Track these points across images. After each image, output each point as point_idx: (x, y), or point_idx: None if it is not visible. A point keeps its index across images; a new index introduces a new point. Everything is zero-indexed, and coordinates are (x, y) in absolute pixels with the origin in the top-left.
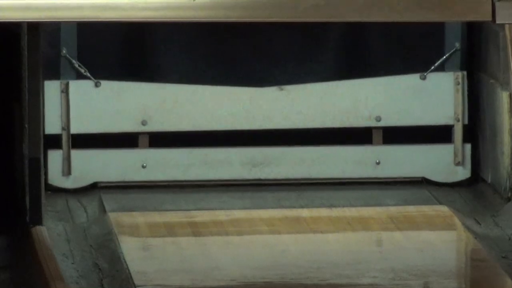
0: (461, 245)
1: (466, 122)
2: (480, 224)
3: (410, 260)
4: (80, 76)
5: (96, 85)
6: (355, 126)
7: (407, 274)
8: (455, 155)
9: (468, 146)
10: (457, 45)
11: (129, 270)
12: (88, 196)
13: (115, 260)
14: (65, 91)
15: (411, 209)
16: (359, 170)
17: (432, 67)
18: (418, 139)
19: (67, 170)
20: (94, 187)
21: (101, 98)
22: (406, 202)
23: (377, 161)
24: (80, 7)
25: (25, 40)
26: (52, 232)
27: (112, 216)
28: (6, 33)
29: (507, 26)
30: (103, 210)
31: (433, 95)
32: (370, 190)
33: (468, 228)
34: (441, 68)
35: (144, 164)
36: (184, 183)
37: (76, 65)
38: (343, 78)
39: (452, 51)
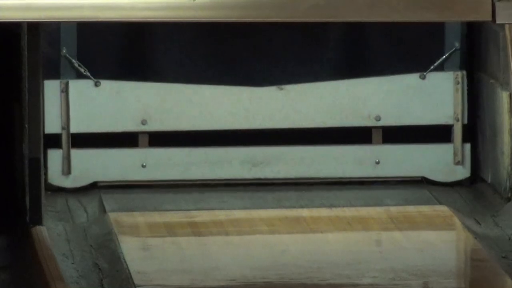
0: (461, 245)
1: (465, 121)
2: (480, 224)
3: (410, 260)
4: (80, 76)
5: (96, 85)
6: (354, 125)
7: (407, 274)
8: (455, 154)
9: (468, 146)
10: (457, 44)
11: (129, 270)
12: (88, 196)
13: (115, 260)
14: (65, 90)
15: (411, 209)
16: (359, 169)
17: (432, 67)
18: (417, 139)
19: (67, 169)
20: (94, 187)
21: (101, 97)
22: (406, 202)
23: (377, 160)
24: (80, 7)
25: (25, 40)
26: (52, 232)
27: (112, 216)
28: (6, 33)
29: (507, 26)
30: (103, 210)
31: (432, 95)
32: (370, 190)
33: (468, 228)
34: (440, 68)
35: (144, 164)
36: (184, 182)
37: (76, 65)
38: (342, 77)
39: (451, 50)
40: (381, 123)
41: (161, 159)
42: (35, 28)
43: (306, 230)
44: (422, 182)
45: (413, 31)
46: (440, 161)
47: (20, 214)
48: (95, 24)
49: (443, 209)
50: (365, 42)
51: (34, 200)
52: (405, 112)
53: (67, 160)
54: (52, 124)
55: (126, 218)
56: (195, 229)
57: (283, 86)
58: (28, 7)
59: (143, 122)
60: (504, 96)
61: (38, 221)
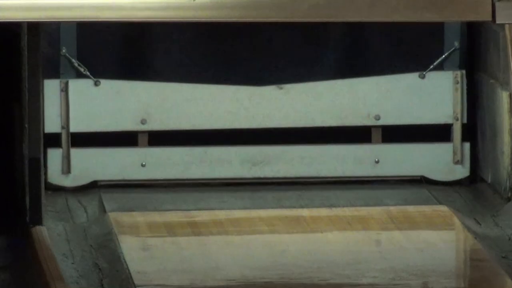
0: (461, 245)
1: (465, 121)
2: (480, 224)
3: (410, 260)
4: (79, 75)
5: (96, 84)
6: (354, 124)
7: (407, 274)
8: (454, 153)
9: (467, 145)
10: (456, 44)
11: (129, 270)
12: (88, 196)
13: (115, 260)
14: (65, 90)
15: (411, 209)
16: (358, 168)
17: (431, 66)
18: (417, 138)
19: (66, 168)
20: (93, 186)
21: (101, 97)
22: (406, 202)
23: (376, 159)
24: (80, 7)
25: (25, 40)
26: (52, 232)
27: (112, 216)
28: (6, 33)
29: (507, 26)
30: (103, 210)
31: (432, 94)
32: (370, 190)
33: (468, 228)
34: (440, 67)
35: (144, 163)
36: (184, 181)
37: (76, 64)
38: (342, 77)
39: (451, 50)
40: (381, 122)
41: (160, 158)
42: (35, 28)
43: (306, 230)
44: (421, 181)
45: (412, 31)
46: (439, 160)
47: (20, 214)
48: (95, 24)
49: (443, 209)
50: (364, 42)
51: (34, 200)
52: (404, 112)
53: (66, 159)
54: (52, 123)
55: (126, 218)
56: (195, 229)
57: (282, 86)
58: (28, 7)
59: (143, 122)
60: (504, 96)
61: (38, 221)
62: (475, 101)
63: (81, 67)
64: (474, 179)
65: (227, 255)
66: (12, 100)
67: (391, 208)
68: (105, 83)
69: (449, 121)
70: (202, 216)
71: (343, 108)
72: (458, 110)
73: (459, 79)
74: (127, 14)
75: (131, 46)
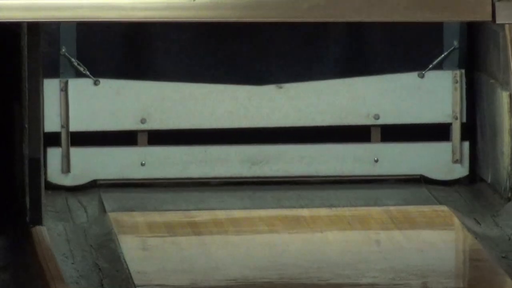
0: (461, 245)
1: (464, 120)
2: (480, 224)
3: (410, 260)
4: (79, 75)
5: (95, 83)
6: (353, 124)
7: (407, 274)
8: (453, 153)
9: (466, 144)
10: (456, 43)
11: (129, 270)
12: (88, 196)
13: (115, 260)
14: (64, 89)
15: (411, 209)
16: (358, 167)
17: (431, 66)
18: (416, 137)
19: (66, 167)
20: (93, 186)
21: (100, 96)
22: (406, 202)
23: (376, 159)
24: (80, 7)
25: (25, 40)
26: (52, 232)
27: (112, 216)
28: (6, 33)
29: (507, 26)
30: (103, 210)
31: (431, 93)
32: (370, 190)
33: (468, 228)
34: (439, 67)
35: (143, 162)
36: (183, 181)
37: (75, 64)
38: (341, 76)
39: (450, 49)
40: (380, 121)
41: (160, 157)
42: (35, 28)
43: (306, 230)
44: (420, 180)
45: (411, 30)
46: (438, 160)
47: (20, 214)
48: (95, 23)
49: (443, 209)
50: (364, 41)
51: (34, 200)
52: (403, 111)
53: (66, 158)
54: (51, 122)
55: (126, 218)
56: (195, 229)
57: (282, 85)
58: (28, 7)
59: (142, 121)
60: (504, 96)
61: (38, 221)
62: (475, 100)
63: (80, 66)
64: (473, 179)
65: (227, 255)
66: (12, 100)
67: (391, 208)
68: (104, 82)
69: (448, 120)
70: (202, 216)
71: (342, 108)
72: (457, 109)
73: (458, 78)
74: (127, 14)
75: (131, 45)
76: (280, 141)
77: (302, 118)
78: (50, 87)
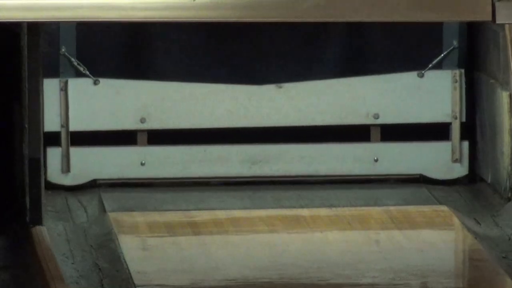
0: (461, 245)
1: (463, 119)
2: (480, 224)
3: (410, 260)
4: (79, 74)
5: (95, 83)
6: (353, 123)
7: (407, 274)
8: (453, 152)
9: (466, 144)
10: (455, 43)
11: (129, 270)
12: (88, 196)
13: (115, 260)
14: (64, 89)
15: (411, 209)
16: (357, 167)
17: (430, 65)
18: (415, 137)
19: (66, 167)
20: (93, 186)
21: (100, 96)
22: (406, 202)
23: (375, 158)
24: (80, 7)
25: (25, 40)
26: (52, 232)
27: (112, 216)
28: (6, 33)
29: (507, 26)
30: (103, 210)
31: (431, 93)
32: (370, 189)
33: (468, 228)
34: (438, 66)
35: (143, 162)
36: (183, 180)
37: (75, 63)
38: (341, 76)
39: (450, 49)
40: (380, 121)
41: (160, 157)
42: (35, 28)
43: (306, 230)
44: (420, 180)
45: (411, 30)
46: (438, 159)
47: (20, 214)
48: (94, 23)
49: (443, 209)
50: (363, 41)
51: (34, 200)
52: (403, 110)
53: (66, 158)
54: (51, 122)
55: (126, 218)
56: (195, 229)
57: (282, 85)
58: (28, 7)
59: (142, 120)
60: (504, 96)
61: (38, 221)
62: (474, 100)
63: (80, 66)
64: (473, 178)
65: (227, 255)
66: (12, 100)
67: (391, 208)
68: (104, 82)
69: (448, 119)
70: (202, 216)
71: (342, 107)
72: (457, 108)
73: (457, 78)
74: (127, 14)
75: (131, 45)
76: (280, 141)
77: (302, 118)
78: (50, 87)
